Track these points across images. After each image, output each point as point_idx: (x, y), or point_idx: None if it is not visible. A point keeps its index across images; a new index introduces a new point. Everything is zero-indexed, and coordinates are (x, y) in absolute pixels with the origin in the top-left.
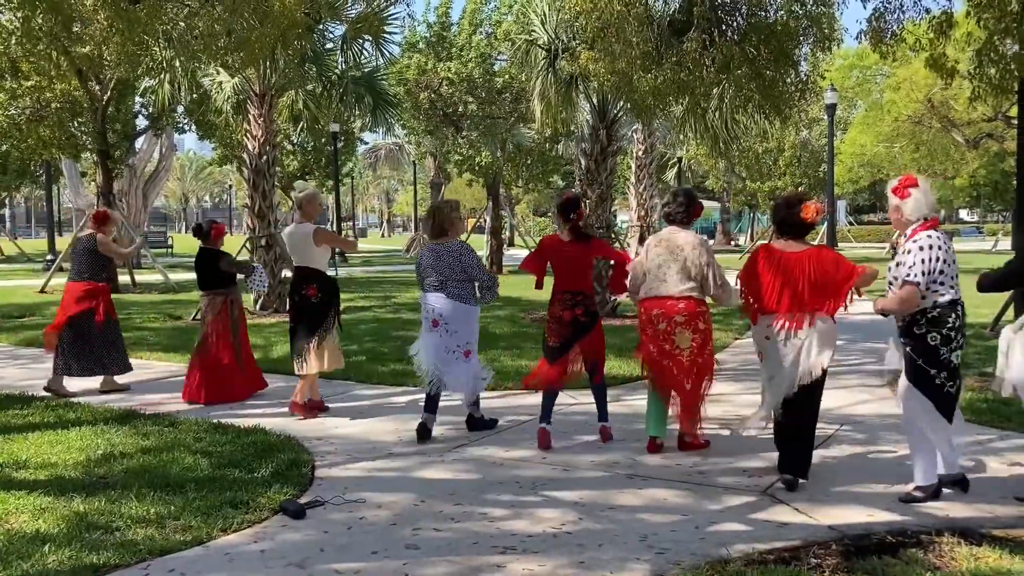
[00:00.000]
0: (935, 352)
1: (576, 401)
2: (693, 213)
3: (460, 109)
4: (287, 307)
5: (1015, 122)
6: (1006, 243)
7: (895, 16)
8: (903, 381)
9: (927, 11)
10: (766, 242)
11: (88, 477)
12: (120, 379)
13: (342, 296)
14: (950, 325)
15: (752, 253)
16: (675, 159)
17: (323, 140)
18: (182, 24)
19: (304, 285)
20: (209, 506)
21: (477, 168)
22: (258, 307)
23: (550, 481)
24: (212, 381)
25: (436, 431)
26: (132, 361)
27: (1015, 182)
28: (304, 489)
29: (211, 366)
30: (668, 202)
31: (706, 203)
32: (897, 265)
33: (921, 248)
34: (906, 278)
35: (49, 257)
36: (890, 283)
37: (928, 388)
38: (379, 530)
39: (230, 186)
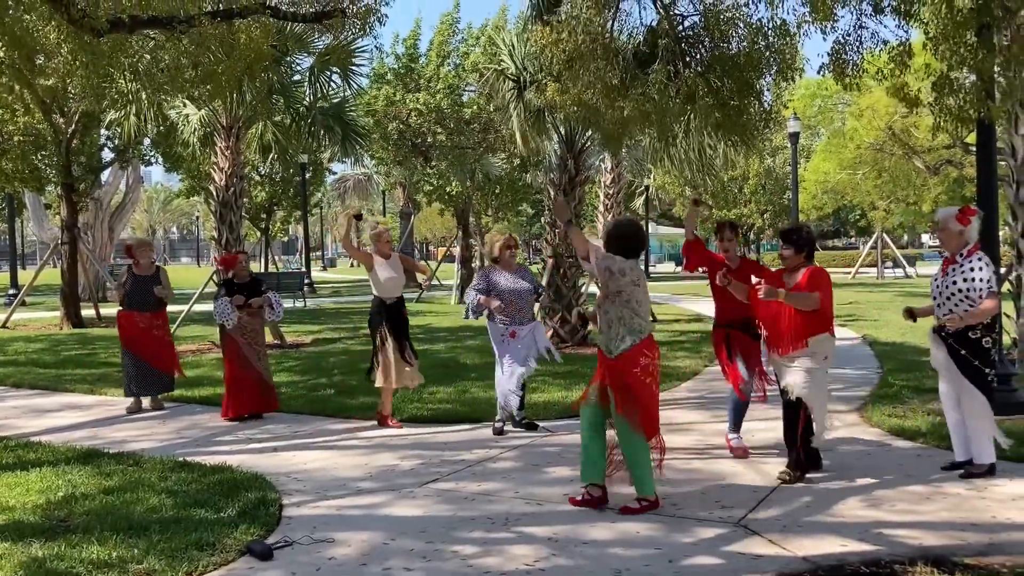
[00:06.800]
0: (988, 353)
1: (548, 433)
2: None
3: (429, 139)
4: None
5: (973, 149)
6: None
7: (855, 48)
8: (959, 379)
9: (885, 43)
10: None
11: (48, 520)
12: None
13: (310, 328)
14: (997, 330)
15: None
16: (642, 187)
17: (291, 171)
18: (147, 57)
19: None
20: (174, 548)
21: (447, 198)
22: None
23: (522, 516)
24: (253, 394)
25: (407, 465)
26: (97, 398)
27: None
28: (271, 529)
29: (252, 379)
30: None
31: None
32: (954, 282)
33: (988, 265)
34: (991, 290)
35: (11, 291)
36: (948, 296)
37: (983, 384)
38: (348, 570)
39: (197, 217)
